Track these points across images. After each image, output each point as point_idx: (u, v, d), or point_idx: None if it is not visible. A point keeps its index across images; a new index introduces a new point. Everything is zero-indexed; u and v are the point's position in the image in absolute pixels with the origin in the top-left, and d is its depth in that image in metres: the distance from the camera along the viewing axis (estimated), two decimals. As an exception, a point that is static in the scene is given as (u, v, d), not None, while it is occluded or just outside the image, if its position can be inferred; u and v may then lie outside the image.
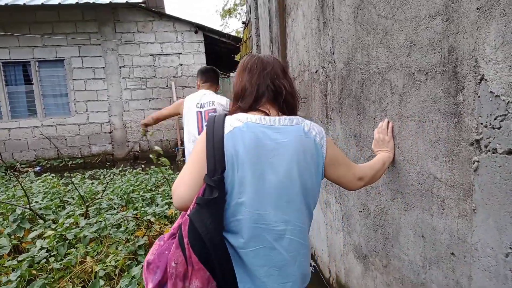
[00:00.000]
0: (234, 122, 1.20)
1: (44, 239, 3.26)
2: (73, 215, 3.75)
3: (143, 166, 7.77)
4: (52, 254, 3.07)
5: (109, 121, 9.00)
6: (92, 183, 5.57)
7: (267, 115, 1.25)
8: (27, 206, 3.68)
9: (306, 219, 1.26)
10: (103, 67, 8.82)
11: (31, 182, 5.82)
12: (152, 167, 6.63)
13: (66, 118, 8.76)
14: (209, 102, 3.28)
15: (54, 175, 6.37)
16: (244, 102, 1.29)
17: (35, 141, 8.58)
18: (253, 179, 1.15)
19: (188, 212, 1.14)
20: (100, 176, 6.98)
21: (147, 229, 3.42)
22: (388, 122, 1.62)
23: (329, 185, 2.54)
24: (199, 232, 1.10)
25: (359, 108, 1.94)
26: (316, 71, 2.63)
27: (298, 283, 1.24)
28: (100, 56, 8.77)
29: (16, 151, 8.62)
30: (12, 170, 7.59)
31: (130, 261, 2.99)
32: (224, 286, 1.16)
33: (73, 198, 4.52)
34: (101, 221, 3.39)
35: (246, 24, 6.65)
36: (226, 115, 1.26)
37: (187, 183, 1.18)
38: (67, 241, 3.19)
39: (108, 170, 7.21)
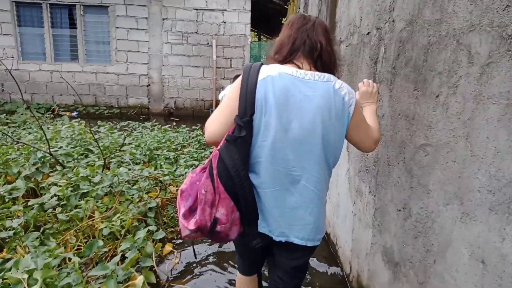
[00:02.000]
0: (269, 71, 1.25)
1: (59, 187, 3.15)
2: (92, 165, 3.63)
3: (175, 124, 7.63)
4: (62, 204, 2.95)
5: (147, 74, 8.88)
6: (122, 133, 5.48)
7: (300, 68, 1.29)
8: (48, 150, 3.58)
9: (323, 171, 1.30)
10: (146, 18, 8.59)
11: (62, 126, 5.81)
12: (183, 125, 6.44)
13: (106, 66, 8.72)
14: None
15: (85, 121, 6.35)
16: (280, 54, 1.34)
17: (75, 86, 8.65)
18: (278, 125, 1.22)
19: (219, 147, 1.24)
20: (131, 128, 6.93)
21: (161, 190, 3.22)
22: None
23: (363, 171, 2.15)
24: (227, 165, 1.20)
25: (417, 81, 1.51)
26: (368, 33, 2.18)
27: (308, 229, 1.31)
28: (144, 5, 8.52)
29: (57, 94, 8.76)
30: (50, 112, 7.72)
31: (138, 223, 2.81)
32: (246, 216, 1.26)
33: (99, 148, 4.43)
34: (115, 176, 3.22)
35: (297, -19, 6.07)
36: (262, 64, 1.29)
37: (219, 121, 1.28)
38: (80, 192, 3.06)
39: (140, 123, 7.13)
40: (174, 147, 4.81)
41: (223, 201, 1.21)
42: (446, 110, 1.28)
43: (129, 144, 4.70)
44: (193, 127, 6.43)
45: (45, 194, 3.07)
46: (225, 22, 8.85)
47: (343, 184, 2.59)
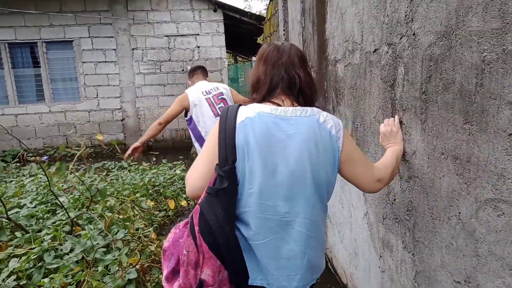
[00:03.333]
0: (247, 113, 1.20)
1: (20, 258, 2.61)
2: (59, 226, 3.10)
3: (154, 159, 7.12)
4: (21, 283, 2.42)
5: (121, 108, 8.38)
6: (94, 179, 4.94)
7: (280, 105, 1.24)
8: (4, 215, 3.04)
9: (317, 211, 1.22)
10: (115, 49, 8.16)
11: (30, 176, 5.24)
12: (164, 160, 5.94)
13: (75, 104, 8.20)
14: (213, 88, 3.33)
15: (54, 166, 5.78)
16: (259, 93, 1.28)
17: (43, 128, 8.07)
18: (263, 169, 1.15)
19: (199, 201, 1.16)
20: (108, 167, 6.38)
21: (141, 253, 2.72)
22: (396, 117, 1.55)
23: (390, 220, 1.73)
24: (208, 221, 1.12)
25: (469, 112, 1.12)
26: (375, 50, 1.80)
27: (307, 275, 1.23)
28: (111, 36, 8.11)
29: (24, 139, 8.14)
30: (16, 160, 7.10)
31: (116, 301, 2.30)
32: (235, 276, 1.16)
33: (64, 208, 3.86)
34: (88, 239, 2.70)
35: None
36: (240, 105, 1.24)
37: (199, 172, 1.21)
38: (45, 265, 2.53)
39: (116, 162, 6.58)
40: (152, 190, 4.28)
41: (208, 261, 1.11)
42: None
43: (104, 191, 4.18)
44: (174, 163, 5.94)
45: (2, 269, 2.53)
46: (199, 47, 8.50)
47: (361, 231, 2.17)
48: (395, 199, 1.68)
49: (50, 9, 7.75)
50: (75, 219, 3.15)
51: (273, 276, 1.19)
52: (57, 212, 3.65)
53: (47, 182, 4.32)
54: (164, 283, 1.18)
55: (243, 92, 13.71)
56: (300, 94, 1.26)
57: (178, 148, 8.42)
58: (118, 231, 2.94)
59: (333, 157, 1.20)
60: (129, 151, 3.19)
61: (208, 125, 3.16)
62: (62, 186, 4.83)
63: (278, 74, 1.25)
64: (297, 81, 1.25)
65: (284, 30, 4.22)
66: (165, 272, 1.17)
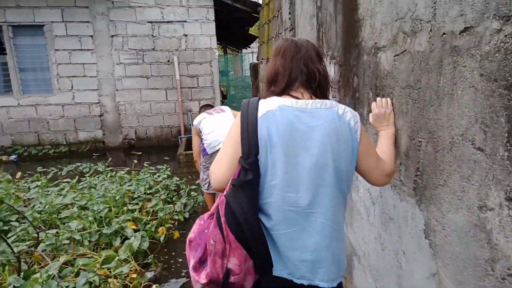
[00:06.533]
0: (268, 106, 1.22)
1: None
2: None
3: (136, 160, 6.33)
4: None
5: (98, 102, 7.53)
6: (62, 188, 4.15)
7: (300, 98, 1.26)
8: None
9: (339, 204, 1.25)
10: (91, 36, 7.29)
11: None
12: (146, 164, 5.17)
13: (47, 97, 7.32)
14: (214, 109, 3.69)
15: (23, 167, 4.98)
16: (277, 86, 1.31)
17: (11, 124, 7.19)
18: (286, 162, 1.18)
19: (224, 193, 1.19)
20: (82, 170, 5.60)
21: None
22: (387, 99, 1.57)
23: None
24: (235, 212, 1.14)
25: None
26: (467, 30, 1.10)
27: (332, 269, 1.23)
28: (88, 21, 7.22)
29: (-12, 135, 7.25)
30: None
31: None
32: (260, 265, 1.19)
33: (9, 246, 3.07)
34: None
35: (270, -21, 5.03)
36: (259, 98, 1.26)
37: (223, 165, 1.23)
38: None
39: (91, 164, 5.79)
40: (131, 206, 3.51)
41: (234, 250, 1.14)
42: None
43: (70, 207, 3.42)
44: (158, 167, 5.17)
45: None
46: (186, 35, 7.69)
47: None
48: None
49: (17, -12, 6.82)
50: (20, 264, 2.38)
51: (295, 267, 1.20)
52: (8, 234, 2.88)
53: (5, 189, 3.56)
54: (191, 273, 1.21)
55: (233, 86, 12.96)
56: (318, 88, 1.29)
57: (163, 147, 7.64)
58: (78, 273, 2.21)
59: (351, 149, 1.24)
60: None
61: (211, 134, 3.39)
62: (24, 195, 4.02)
63: (298, 67, 1.28)
64: (316, 75, 1.28)
65: (289, 13, 3.48)
66: (192, 262, 1.20)
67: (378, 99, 1.58)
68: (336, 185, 1.22)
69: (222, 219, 1.15)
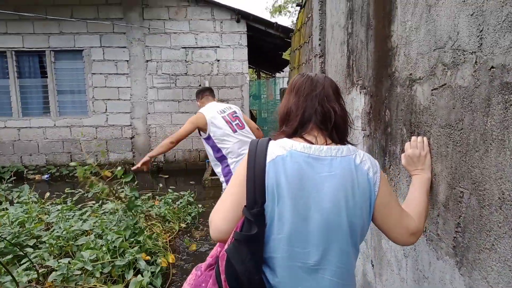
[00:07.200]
0: (277, 150, 1.12)
1: None
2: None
3: (160, 184, 6.29)
4: None
5: (130, 125, 7.66)
6: (85, 211, 4.12)
7: (313, 143, 1.14)
8: None
9: (351, 259, 1.14)
10: (127, 61, 7.49)
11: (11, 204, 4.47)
12: (169, 189, 5.09)
13: (82, 118, 7.54)
14: (226, 107, 3.43)
15: (55, 186, 5.03)
16: (289, 126, 1.20)
17: (47, 144, 7.42)
18: (294, 214, 1.07)
19: (226, 246, 1.10)
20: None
21: None
22: (423, 138, 1.38)
23: None
24: (237, 271, 1.05)
25: None
26: None
27: None
28: (124, 47, 7.46)
29: (25, 154, 7.51)
30: (12, 178, 6.43)
31: None
32: None
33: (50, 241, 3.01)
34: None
35: (302, 6, 4.94)
36: (270, 139, 1.18)
37: (225, 214, 1.12)
38: None
39: (119, 187, 5.79)
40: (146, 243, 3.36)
41: None
42: None
43: (90, 232, 3.36)
44: (181, 193, 5.08)
45: None
46: (218, 60, 7.74)
47: None
48: None
49: (61, 15, 7.17)
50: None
51: None
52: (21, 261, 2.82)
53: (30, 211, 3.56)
54: None
55: (265, 110, 12.92)
56: (334, 129, 1.17)
57: (190, 170, 7.60)
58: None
59: (369, 202, 1.12)
60: (138, 165, 3.24)
61: (229, 142, 3.23)
62: (47, 218, 4.01)
63: (312, 106, 1.17)
64: (332, 115, 1.16)
65: (320, 39, 3.34)
66: None
67: (413, 138, 1.42)
68: (349, 241, 1.12)
69: (222, 277, 1.06)
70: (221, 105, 3.47)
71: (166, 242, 3.62)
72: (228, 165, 3.20)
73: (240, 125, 3.35)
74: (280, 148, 1.12)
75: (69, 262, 2.66)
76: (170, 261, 3.15)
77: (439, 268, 1.37)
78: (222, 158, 3.23)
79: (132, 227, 3.28)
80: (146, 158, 3.29)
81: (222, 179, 3.27)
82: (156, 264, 3.00)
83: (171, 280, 3.09)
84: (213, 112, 3.28)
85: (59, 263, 2.63)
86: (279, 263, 1.09)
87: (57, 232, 3.22)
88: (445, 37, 1.29)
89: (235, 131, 3.27)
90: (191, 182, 6.51)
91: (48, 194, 5.10)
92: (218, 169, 3.31)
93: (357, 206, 1.11)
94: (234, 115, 3.37)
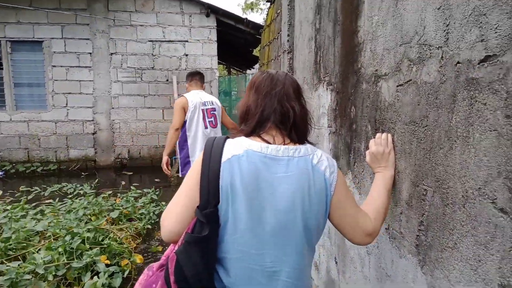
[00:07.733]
0: (234, 149, 1.09)
1: None
2: None
3: (123, 182, 6.08)
4: None
5: (93, 120, 7.35)
6: (39, 211, 3.89)
7: (271, 143, 1.12)
8: None
9: (306, 259, 1.15)
10: (90, 53, 7.18)
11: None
12: (132, 187, 4.92)
13: (41, 113, 7.15)
14: (210, 102, 3.53)
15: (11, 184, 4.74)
16: (248, 124, 1.17)
17: (2, 139, 7.00)
18: (249, 215, 1.05)
19: (175, 248, 1.06)
20: (67, 191, 5.35)
21: None
22: (388, 135, 1.37)
23: None
24: (185, 274, 1.02)
25: None
26: (489, 59, 0.88)
27: None
28: (88, 39, 7.13)
29: (-22, 150, 7.04)
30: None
31: None
32: None
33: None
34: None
35: (272, 1, 4.89)
36: (226, 138, 1.15)
37: (177, 214, 1.08)
38: None
39: (77, 185, 5.55)
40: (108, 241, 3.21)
41: None
42: None
43: (44, 233, 3.15)
44: (145, 190, 4.92)
45: None
46: (187, 55, 7.57)
47: None
48: None
49: (18, 4, 6.75)
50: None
51: None
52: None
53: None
54: None
55: (236, 107, 12.81)
56: (293, 129, 1.15)
57: (157, 167, 7.38)
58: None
59: (325, 203, 1.12)
60: (166, 169, 3.38)
61: (197, 133, 3.33)
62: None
63: (271, 105, 1.14)
64: (291, 114, 1.14)
65: (288, 35, 3.30)
66: None
67: (377, 135, 1.40)
68: (304, 242, 1.11)
69: (172, 278, 1.02)
70: (205, 96, 3.55)
71: (131, 244, 3.47)
72: (188, 156, 3.39)
73: (214, 123, 3.44)
74: (236, 148, 1.09)
75: (19, 266, 2.48)
76: (138, 261, 3.01)
77: (402, 266, 1.35)
78: (184, 144, 3.39)
79: (94, 229, 3.12)
80: (165, 158, 3.39)
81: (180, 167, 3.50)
82: (118, 265, 2.86)
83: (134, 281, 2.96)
84: (197, 100, 3.41)
85: (7, 266, 2.45)
86: (233, 264, 1.08)
87: (6, 233, 3.00)
88: (412, 32, 1.27)
89: (206, 128, 3.39)
90: (156, 180, 6.34)
91: (0, 192, 4.81)
92: (180, 155, 3.52)
93: (313, 206, 1.10)
94: (212, 112, 3.47)
